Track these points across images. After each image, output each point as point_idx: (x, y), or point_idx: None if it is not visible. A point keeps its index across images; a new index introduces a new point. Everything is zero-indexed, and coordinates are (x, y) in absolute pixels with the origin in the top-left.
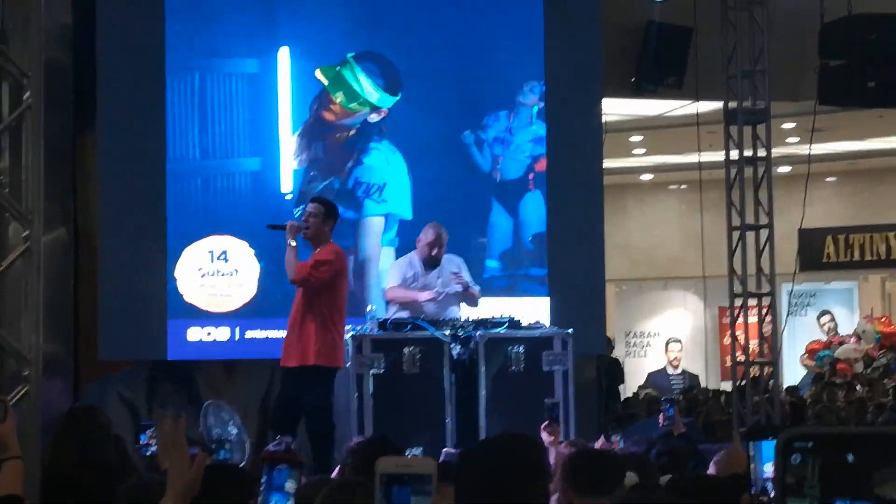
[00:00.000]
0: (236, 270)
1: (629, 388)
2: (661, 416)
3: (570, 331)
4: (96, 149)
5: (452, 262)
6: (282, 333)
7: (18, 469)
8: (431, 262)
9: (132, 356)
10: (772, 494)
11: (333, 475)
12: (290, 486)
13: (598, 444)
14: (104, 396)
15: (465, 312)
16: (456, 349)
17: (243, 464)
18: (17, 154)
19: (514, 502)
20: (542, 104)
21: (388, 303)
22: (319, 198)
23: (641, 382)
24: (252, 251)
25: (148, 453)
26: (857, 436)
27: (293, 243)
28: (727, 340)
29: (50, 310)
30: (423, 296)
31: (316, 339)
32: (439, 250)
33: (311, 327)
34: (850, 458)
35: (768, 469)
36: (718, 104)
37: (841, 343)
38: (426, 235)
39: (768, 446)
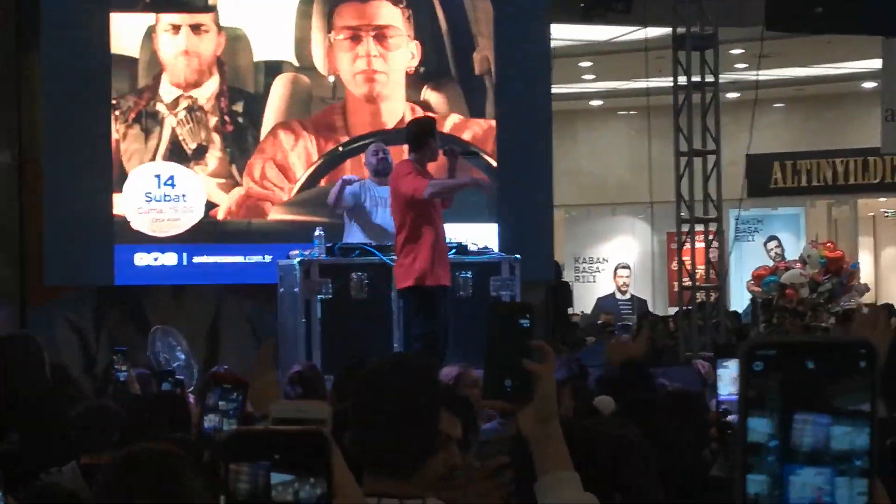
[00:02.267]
0: (184, 195)
1: (578, 312)
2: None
3: (518, 256)
4: (40, 70)
5: None
6: (231, 259)
7: None
8: (382, 172)
9: (78, 281)
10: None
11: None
12: (224, 405)
13: None
14: (51, 322)
15: None
16: None
17: (191, 388)
18: None
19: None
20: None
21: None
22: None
23: (590, 307)
24: (199, 176)
25: (121, 378)
26: (819, 344)
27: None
28: (675, 266)
29: None
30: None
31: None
32: (384, 155)
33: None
34: (811, 366)
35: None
36: (667, 30)
37: (787, 269)
38: (367, 152)
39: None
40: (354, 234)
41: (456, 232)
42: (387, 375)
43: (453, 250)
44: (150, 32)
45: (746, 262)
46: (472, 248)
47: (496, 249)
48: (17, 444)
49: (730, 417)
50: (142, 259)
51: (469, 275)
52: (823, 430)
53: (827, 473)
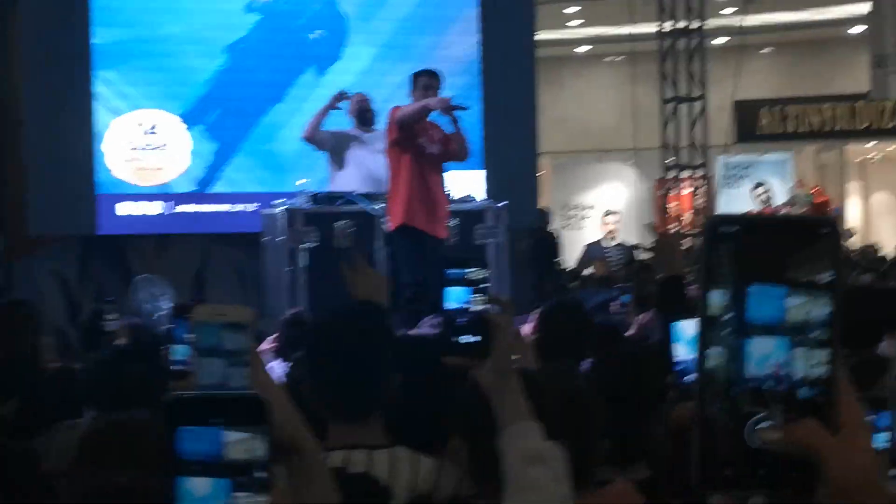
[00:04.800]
0: (166, 144)
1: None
2: (614, 305)
3: (503, 204)
4: (17, 17)
5: None
6: (215, 207)
7: None
8: (365, 119)
9: (61, 230)
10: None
11: (267, 346)
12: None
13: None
14: (35, 273)
15: None
16: (388, 222)
17: None
18: None
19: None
20: None
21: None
22: (433, 71)
23: (579, 255)
24: (184, 125)
25: (109, 328)
26: (781, 222)
27: (456, 118)
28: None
29: None
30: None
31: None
32: (368, 105)
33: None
34: (770, 241)
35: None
36: None
37: (774, 213)
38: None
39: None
40: (340, 180)
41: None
42: (338, 324)
43: None
44: None
45: (734, 208)
46: (457, 196)
47: (485, 196)
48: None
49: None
50: (125, 208)
51: (455, 222)
52: (779, 301)
53: (783, 344)
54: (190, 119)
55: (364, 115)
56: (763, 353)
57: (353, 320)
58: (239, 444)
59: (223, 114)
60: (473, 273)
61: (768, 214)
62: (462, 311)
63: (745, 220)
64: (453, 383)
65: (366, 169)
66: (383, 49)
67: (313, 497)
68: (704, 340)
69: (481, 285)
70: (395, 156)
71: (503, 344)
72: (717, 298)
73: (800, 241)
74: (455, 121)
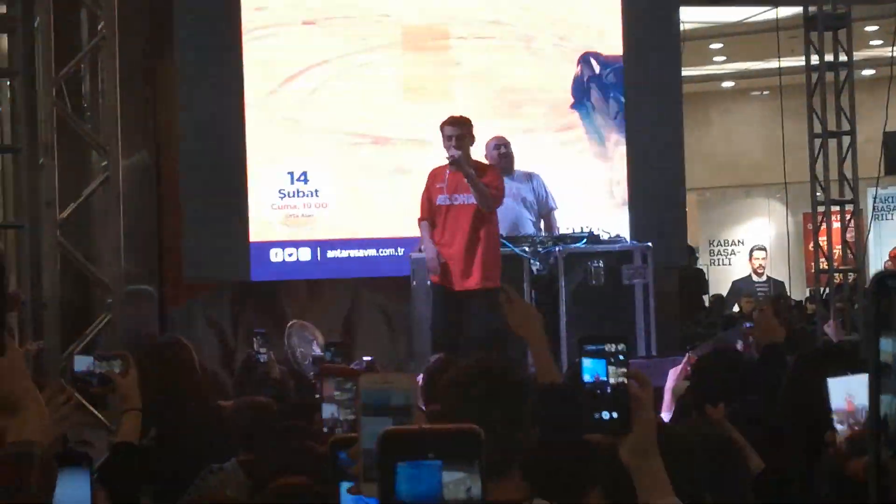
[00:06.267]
0: (316, 191)
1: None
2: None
3: (650, 244)
4: (175, 69)
5: (529, 177)
6: (363, 253)
7: (137, 419)
8: (507, 167)
9: (216, 278)
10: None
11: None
12: (339, 395)
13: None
14: (191, 320)
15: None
16: (535, 265)
17: None
18: (96, 82)
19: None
20: None
21: None
22: (457, 118)
23: (726, 291)
24: (333, 172)
25: (262, 360)
26: None
27: (470, 173)
28: (812, 247)
29: (133, 234)
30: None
31: (494, 261)
32: (507, 150)
33: (493, 248)
34: None
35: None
36: (798, 9)
37: None
38: (488, 145)
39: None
40: None
41: (586, 220)
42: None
43: (584, 240)
44: None
45: (886, 241)
46: (604, 236)
47: (628, 237)
48: (155, 440)
49: (838, 427)
50: (277, 255)
51: (600, 264)
52: None
53: None
54: (338, 165)
55: (505, 165)
56: None
57: (486, 373)
58: (456, 484)
59: (371, 157)
60: (612, 346)
61: None
62: (601, 384)
63: None
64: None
65: (509, 212)
66: None
67: None
68: (876, 389)
69: (620, 357)
70: None
71: (645, 421)
72: (887, 347)
73: None
74: (467, 175)
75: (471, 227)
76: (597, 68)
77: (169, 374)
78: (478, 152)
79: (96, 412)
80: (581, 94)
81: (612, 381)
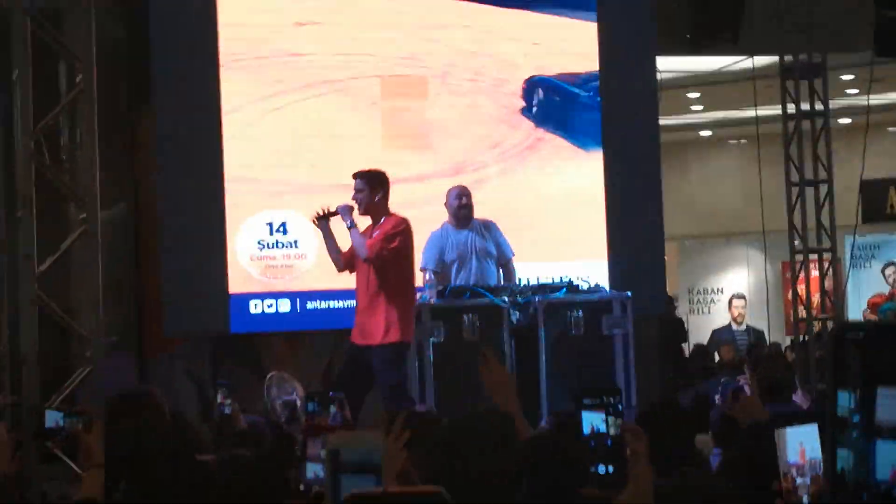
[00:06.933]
0: (296, 242)
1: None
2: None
3: (629, 294)
4: (153, 120)
5: (487, 227)
6: (343, 304)
7: (99, 476)
8: (466, 217)
9: (196, 330)
10: (797, 482)
11: None
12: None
13: None
14: (170, 372)
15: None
16: (515, 315)
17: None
18: (74, 133)
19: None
20: None
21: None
22: (359, 172)
23: (706, 340)
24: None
25: (226, 412)
26: None
27: (348, 224)
28: (791, 295)
29: (113, 285)
30: None
31: (395, 315)
32: (468, 201)
33: (389, 302)
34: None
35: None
36: (775, 58)
37: None
38: (449, 194)
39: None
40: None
41: (565, 270)
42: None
43: (563, 290)
44: None
45: (864, 289)
46: (583, 286)
47: (606, 285)
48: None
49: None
50: (256, 307)
51: (580, 313)
52: None
53: None
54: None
55: (464, 215)
56: (893, 457)
57: (477, 426)
58: None
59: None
60: (610, 398)
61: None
62: (601, 437)
63: (870, 327)
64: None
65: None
66: None
67: None
68: (832, 442)
69: (618, 408)
70: None
71: (641, 474)
72: (844, 400)
73: None
74: (348, 225)
75: (367, 282)
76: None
77: (138, 425)
78: (438, 200)
79: (74, 466)
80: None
81: (611, 432)
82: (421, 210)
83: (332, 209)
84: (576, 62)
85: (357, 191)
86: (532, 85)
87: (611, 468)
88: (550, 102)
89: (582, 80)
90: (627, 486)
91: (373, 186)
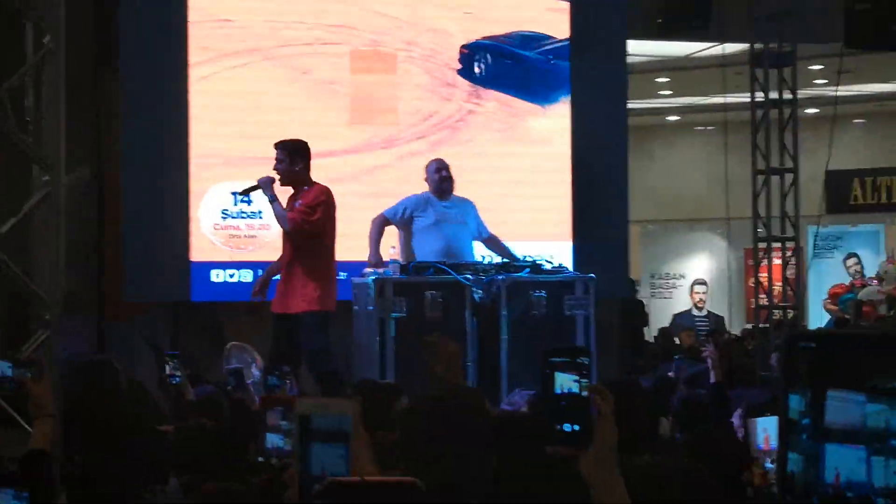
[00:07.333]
0: (260, 212)
1: (654, 329)
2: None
3: (592, 275)
4: (118, 84)
5: (465, 203)
6: None
7: (49, 426)
8: (448, 189)
9: (157, 297)
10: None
11: None
12: (285, 426)
13: None
14: (129, 338)
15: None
16: (478, 293)
17: None
18: (39, 95)
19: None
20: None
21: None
22: (280, 142)
23: (666, 324)
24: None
25: (175, 382)
26: (859, 336)
27: (269, 197)
28: (753, 282)
29: (74, 249)
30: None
31: (316, 284)
32: (447, 172)
33: (307, 272)
34: (849, 352)
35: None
36: (745, 46)
37: (864, 286)
38: (428, 168)
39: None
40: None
41: (531, 249)
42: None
43: (527, 269)
44: None
45: (825, 279)
46: (547, 266)
47: (571, 267)
48: (81, 466)
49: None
50: (218, 276)
51: (543, 294)
52: (858, 408)
53: (861, 452)
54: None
55: (447, 188)
56: (841, 460)
57: (445, 403)
58: None
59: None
60: (582, 358)
61: (847, 321)
62: (572, 396)
63: (822, 337)
64: (551, 466)
65: (446, 236)
66: None
67: None
68: (783, 444)
69: (584, 372)
70: None
71: (606, 434)
72: (795, 403)
73: (876, 350)
74: (269, 198)
75: (289, 251)
76: None
77: (93, 394)
78: (418, 173)
79: (19, 418)
80: None
81: (583, 393)
82: (345, 186)
83: (255, 184)
84: (517, 25)
85: (278, 161)
86: (475, 49)
87: (576, 427)
88: (499, 65)
89: (524, 39)
90: (593, 444)
91: (293, 156)
